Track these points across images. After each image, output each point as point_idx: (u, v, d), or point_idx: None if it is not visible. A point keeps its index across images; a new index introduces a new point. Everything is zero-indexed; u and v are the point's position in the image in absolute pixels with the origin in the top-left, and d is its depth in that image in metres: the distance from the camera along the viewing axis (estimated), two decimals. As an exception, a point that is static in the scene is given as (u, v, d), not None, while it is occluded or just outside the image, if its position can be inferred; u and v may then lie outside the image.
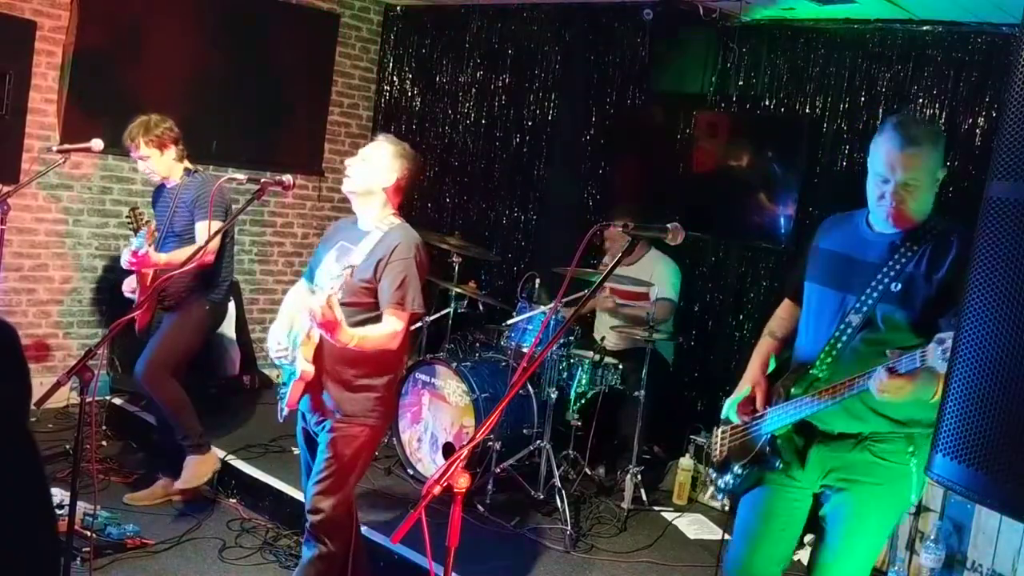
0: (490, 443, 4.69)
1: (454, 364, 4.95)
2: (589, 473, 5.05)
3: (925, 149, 2.47)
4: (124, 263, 4.27)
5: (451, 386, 4.96)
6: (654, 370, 4.89)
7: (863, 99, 5.12)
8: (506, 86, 6.71)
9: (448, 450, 4.87)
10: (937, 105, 4.78)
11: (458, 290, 5.47)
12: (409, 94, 7.28)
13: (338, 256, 3.35)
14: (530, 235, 6.57)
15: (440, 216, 7.00)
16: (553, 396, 4.80)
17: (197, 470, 4.60)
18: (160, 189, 4.67)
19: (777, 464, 2.67)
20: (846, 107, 5.18)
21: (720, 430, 2.96)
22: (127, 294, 4.54)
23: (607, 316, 5.50)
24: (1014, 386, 1.38)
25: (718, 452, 2.96)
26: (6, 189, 4.84)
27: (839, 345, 2.58)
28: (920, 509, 4.18)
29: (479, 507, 4.65)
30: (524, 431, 4.95)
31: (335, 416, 3.28)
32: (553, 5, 6.32)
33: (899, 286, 2.49)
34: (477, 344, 5.54)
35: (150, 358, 4.46)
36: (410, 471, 5.06)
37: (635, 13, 5.74)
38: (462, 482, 2.12)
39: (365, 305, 3.26)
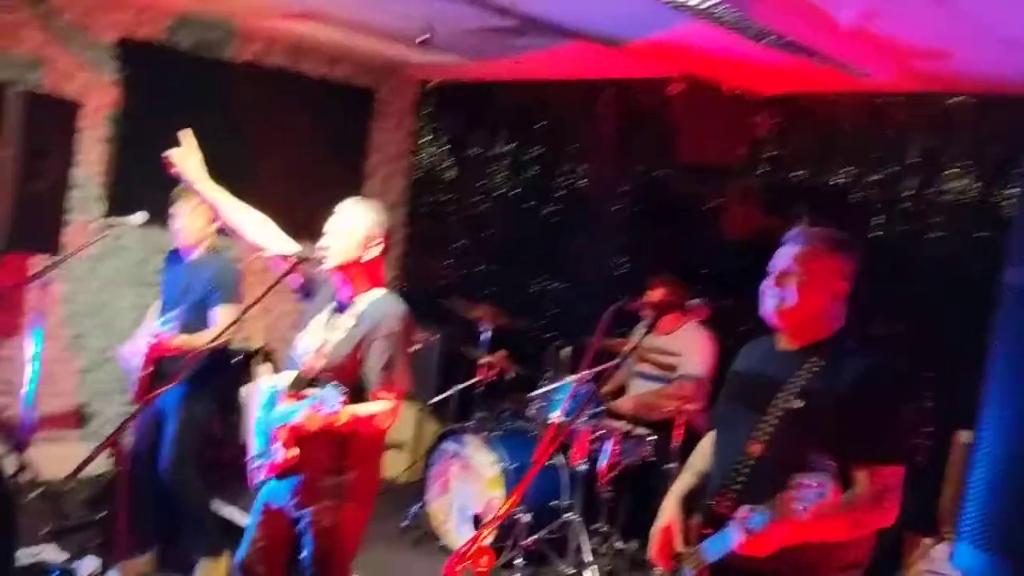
0: (519, 516, 4.66)
1: (484, 434, 4.94)
2: (621, 547, 4.98)
3: (817, 247, 2.43)
4: (142, 344, 4.18)
5: (480, 456, 4.95)
6: (686, 441, 4.84)
7: (894, 169, 5.13)
8: (537, 157, 6.81)
9: (478, 523, 4.84)
10: (970, 176, 4.82)
11: (488, 359, 5.49)
12: (443, 165, 7.41)
13: (320, 324, 3.24)
14: (560, 304, 6.59)
15: (471, 284, 7.05)
16: (583, 467, 4.77)
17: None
18: (174, 259, 4.60)
19: None
20: (874, 178, 5.19)
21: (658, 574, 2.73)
22: (125, 363, 4.49)
23: (637, 386, 5.47)
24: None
25: None
26: (51, 261, 4.98)
27: (741, 478, 2.45)
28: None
29: (508, 581, 4.60)
30: (554, 504, 4.91)
31: (319, 502, 3.14)
32: (583, 81, 6.44)
33: (800, 403, 2.39)
34: (506, 413, 5.53)
35: (172, 455, 4.33)
36: (439, 543, 5.03)
37: (662, 87, 5.83)
38: (484, 560, 2.11)
39: (343, 378, 3.08)
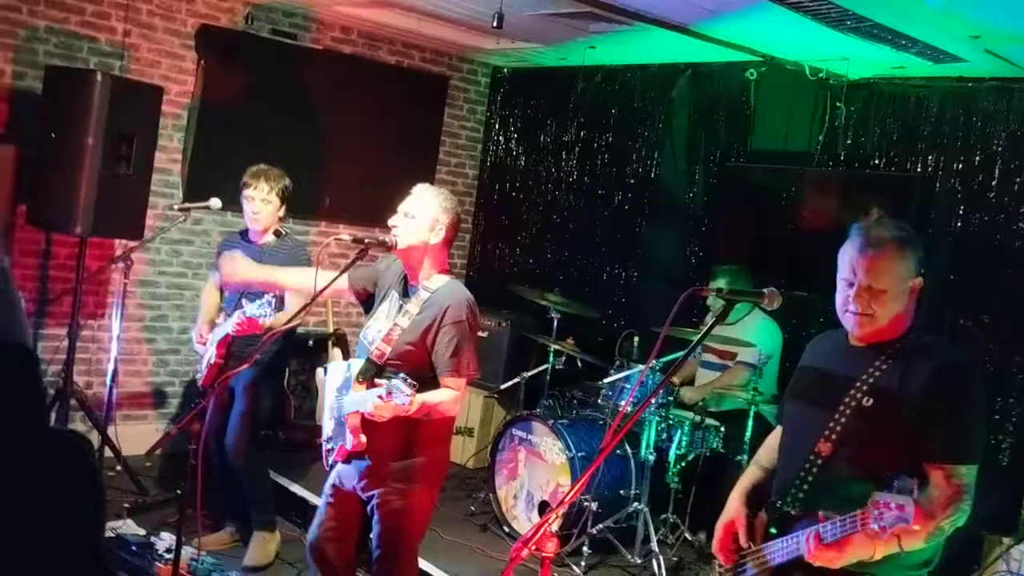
0: (586, 503, 4.65)
1: (551, 421, 4.94)
2: (689, 539, 4.93)
3: (889, 252, 2.34)
4: (231, 327, 4.19)
5: (547, 443, 4.95)
6: (757, 433, 4.77)
7: (978, 159, 4.96)
8: (609, 144, 6.76)
9: (544, 509, 4.85)
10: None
11: (556, 347, 5.48)
12: (514, 153, 7.41)
13: (388, 312, 3.27)
14: (630, 293, 6.54)
15: (541, 272, 7.05)
16: (652, 458, 4.73)
17: (266, 549, 4.57)
18: (237, 241, 4.62)
19: None
20: (960, 167, 5.03)
21: (718, 570, 2.69)
22: (197, 346, 4.58)
23: (704, 376, 5.40)
24: None
25: None
26: (132, 244, 5.14)
27: (810, 478, 2.39)
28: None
29: (574, 568, 4.60)
30: (622, 493, 4.89)
31: (386, 485, 3.18)
32: (657, 65, 6.36)
33: (871, 401, 2.33)
34: (575, 401, 5.52)
35: (238, 434, 4.44)
36: (505, 528, 5.05)
37: (739, 72, 5.73)
38: (549, 546, 2.11)
39: (412, 365, 3.14)
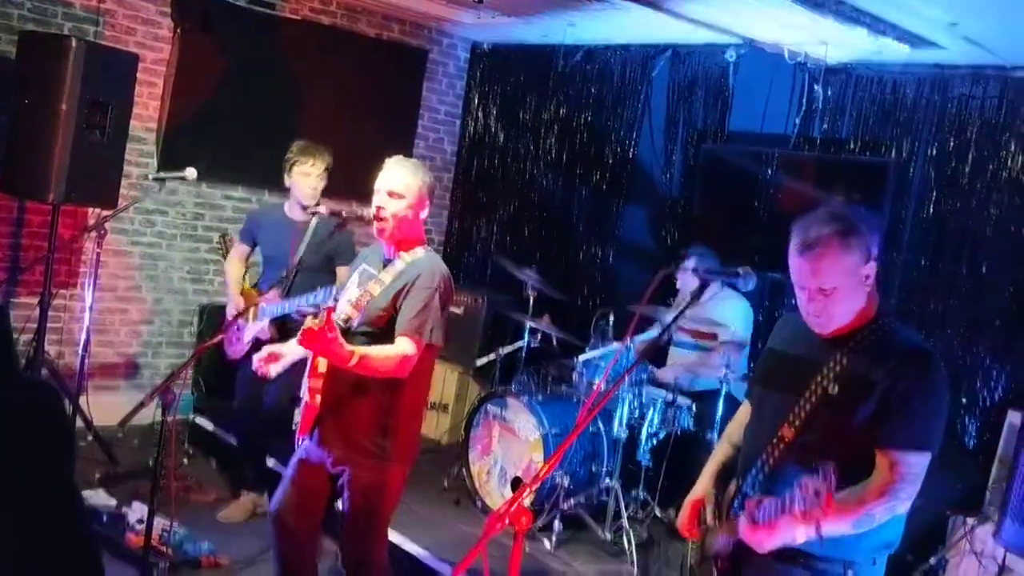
0: (558, 479, 4.69)
1: (525, 398, 4.96)
2: (659, 515, 4.99)
3: (830, 249, 2.27)
4: (291, 310, 4.00)
5: (522, 420, 4.98)
6: (728, 411, 4.82)
7: (952, 145, 5.01)
8: (588, 123, 6.76)
9: (518, 485, 4.88)
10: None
11: (532, 324, 5.50)
12: (493, 130, 7.39)
13: (359, 281, 3.25)
14: (607, 271, 6.57)
15: (518, 249, 7.05)
16: (624, 435, 4.78)
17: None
18: (273, 219, 4.66)
19: None
20: (933, 153, 5.07)
21: (691, 542, 2.71)
22: (231, 315, 4.62)
23: (676, 355, 5.45)
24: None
25: (691, 564, 2.71)
26: (105, 213, 5.09)
27: (771, 461, 2.40)
28: (1003, 569, 4.02)
29: (545, 543, 4.64)
30: (593, 469, 4.94)
31: (357, 461, 3.17)
32: (638, 46, 6.36)
33: (836, 389, 2.32)
34: (550, 379, 5.54)
35: (282, 395, 4.42)
36: (478, 503, 5.08)
37: (719, 54, 5.74)
38: (523, 520, 2.13)
39: (380, 336, 3.11)
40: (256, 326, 4.44)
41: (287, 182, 4.59)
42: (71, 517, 1.25)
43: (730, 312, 5.18)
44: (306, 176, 4.49)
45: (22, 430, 1.21)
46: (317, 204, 4.42)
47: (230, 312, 4.72)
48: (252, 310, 4.45)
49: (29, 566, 1.17)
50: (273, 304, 4.23)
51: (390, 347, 3.05)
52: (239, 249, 4.82)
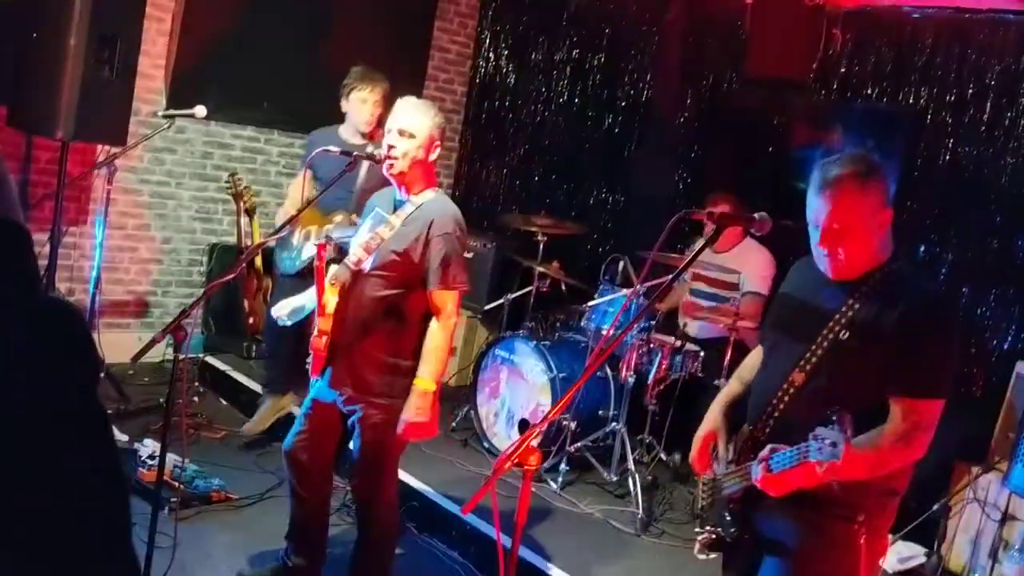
0: (565, 422, 4.72)
1: (533, 342, 4.98)
2: (664, 459, 5.03)
3: (849, 189, 2.27)
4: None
5: (529, 364, 5.00)
6: (736, 359, 4.82)
7: (971, 92, 4.93)
8: (601, 65, 6.66)
9: (524, 427, 4.92)
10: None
11: (541, 269, 5.49)
12: (504, 71, 7.30)
13: (372, 225, 3.24)
14: (618, 217, 6.53)
15: (527, 194, 7.02)
16: (631, 380, 4.80)
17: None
18: (321, 156, 4.56)
19: (733, 532, 2.53)
20: (952, 100, 5.00)
21: (701, 482, 2.73)
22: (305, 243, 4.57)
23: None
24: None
25: (701, 506, 2.73)
26: (114, 151, 5.06)
27: (781, 406, 2.41)
28: (1005, 517, 4.06)
29: (551, 484, 4.69)
30: (600, 413, 4.97)
31: (368, 400, 3.21)
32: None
33: (847, 334, 2.32)
34: (558, 324, 5.55)
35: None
36: (485, 444, 5.13)
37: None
38: (532, 460, 2.14)
39: (393, 279, 3.15)
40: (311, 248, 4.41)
41: (344, 107, 4.65)
42: (105, 441, 1.25)
43: (752, 263, 5.15)
44: (363, 103, 4.57)
45: (45, 355, 1.20)
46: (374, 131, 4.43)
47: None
48: (314, 229, 4.43)
49: (55, 490, 1.17)
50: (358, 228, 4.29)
51: (430, 345, 3.18)
52: (303, 172, 4.64)
